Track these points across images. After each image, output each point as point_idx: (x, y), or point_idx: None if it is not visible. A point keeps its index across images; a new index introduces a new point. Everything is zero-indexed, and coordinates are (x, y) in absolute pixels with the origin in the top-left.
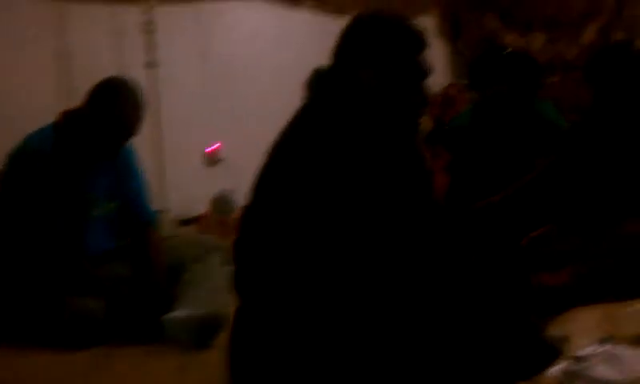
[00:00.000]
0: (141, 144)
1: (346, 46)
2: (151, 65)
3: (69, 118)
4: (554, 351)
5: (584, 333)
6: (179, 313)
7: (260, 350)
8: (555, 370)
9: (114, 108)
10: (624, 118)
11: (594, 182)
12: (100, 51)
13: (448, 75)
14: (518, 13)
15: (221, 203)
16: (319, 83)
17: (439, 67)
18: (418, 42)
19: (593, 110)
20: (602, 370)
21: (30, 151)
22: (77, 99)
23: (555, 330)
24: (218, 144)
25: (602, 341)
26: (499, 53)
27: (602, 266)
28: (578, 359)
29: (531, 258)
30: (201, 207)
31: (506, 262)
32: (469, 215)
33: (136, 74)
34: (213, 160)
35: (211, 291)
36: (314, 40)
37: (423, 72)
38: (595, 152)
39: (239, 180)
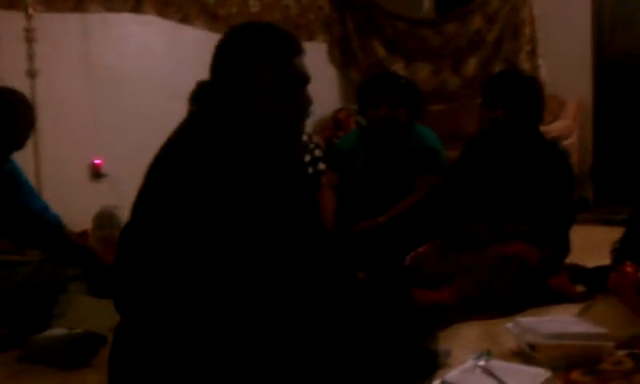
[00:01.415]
0: (17, 156)
1: (221, 56)
2: (31, 74)
3: None
4: (432, 363)
5: (465, 347)
6: (56, 331)
7: (139, 367)
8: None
9: (8, 116)
10: (519, 139)
11: (479, 201)
12: None
13: (338, 100)
14: (403, 43)
15: (103, 219)
16: (198, 96)
17: (330, 92)
18: (291, 45)
19: (483, 132)
20: (479, 383)
21: None
22: None
23: (438, 344)
24: (100, 159)
25: (479, 356)
26: (379, 79)
27: (482, 284)
28: (455, 374)
29: (414, 276)
30: (83, 223)
31: (389, 280)
32: (354, 234)
33: (15, 82)
34: (96, 174)
35: (90, 309)
36: (205, 57)
37: (299, 75)
38: (481, 172)
39: (123, 195)
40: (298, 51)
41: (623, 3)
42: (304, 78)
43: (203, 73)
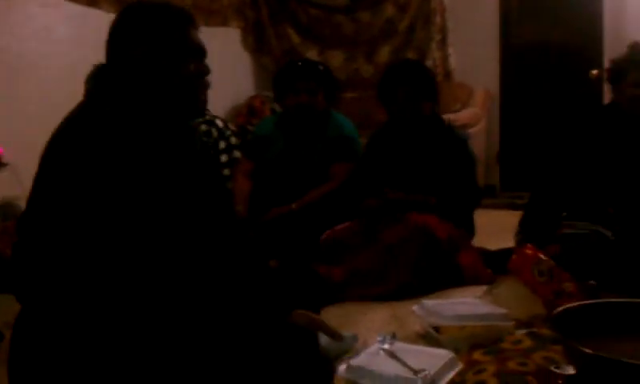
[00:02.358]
0: None
1: (116, 33)
2: None
3: None
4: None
5: (372, 331)
6: None
7: (41, 357)
8: (341, 368)
9: None
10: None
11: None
12: None
13: (252, 87)
14: (317, 30)
15: (3, 210)
16: (93, 76)
17: (244, 79)
18: (185, 17)
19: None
20: (382, 366)
21: None
22: None
23: (345, 330)
24: (0, 147)
25: (384, 339)
26: (298, 66)
27: (372, 265)
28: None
29: (328, 252)
30: None
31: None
32: (266, 221)
33: None
34: None
35: None
36: None
37: (195, 45)
38: (388, 160)
39: (26, 185)
40: (193, 23)
41: None
42: (200, 49)
43: None
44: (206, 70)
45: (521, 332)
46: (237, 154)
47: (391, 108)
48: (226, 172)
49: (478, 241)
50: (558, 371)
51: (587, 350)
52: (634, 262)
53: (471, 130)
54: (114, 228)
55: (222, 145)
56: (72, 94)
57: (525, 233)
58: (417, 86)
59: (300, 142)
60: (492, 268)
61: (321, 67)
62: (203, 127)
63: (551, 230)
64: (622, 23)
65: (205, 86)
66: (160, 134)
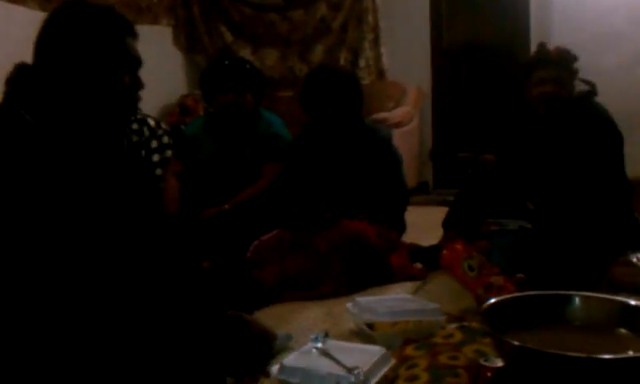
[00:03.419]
0: None
1: (47, 34)
2: None
3: None
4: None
5: (306, 330)
6: None
7: None
8: (274, 368)
9: None
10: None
11: (312, 189)
12: None
13: (185, 85)
14: (251, 29)
15: None
16: (14, 78)
17: (175, 78)
18: (124, 25)
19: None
20: (316, 364)
21: None
22: None
23: (279, 329)
24: None
25: (316, 337)
26: (225, 64)
27: (303, 271)
28: (293, 357)
29: (255, 264)
30: None
31: (232, 268)
32: (199, 221)
33: None
34: None
35: None
36: None
37: (131, 57)
38: (312, 165)
39: None
40: (132, 32)
41: None
42: (135, 61)
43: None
44: (140, 84)
45: (453, 326)
46: (169, 153)
47: (318, 120)
48: (159, 171)
49: (411, 237)
50: (486, 364)
51: (514, 342)
52: (557, 255)
53: (404, 128)
54: (29, 235)
55: (154, 144)
56: None
57: (447, 229)
58: (345, 100)
59: (230, 142)
60: (424, 263)
61: (247, 66)
62: (135, 126)
63: (473, 227)
64: (548, 22)
65: (137, 100)
66: (82, 142)
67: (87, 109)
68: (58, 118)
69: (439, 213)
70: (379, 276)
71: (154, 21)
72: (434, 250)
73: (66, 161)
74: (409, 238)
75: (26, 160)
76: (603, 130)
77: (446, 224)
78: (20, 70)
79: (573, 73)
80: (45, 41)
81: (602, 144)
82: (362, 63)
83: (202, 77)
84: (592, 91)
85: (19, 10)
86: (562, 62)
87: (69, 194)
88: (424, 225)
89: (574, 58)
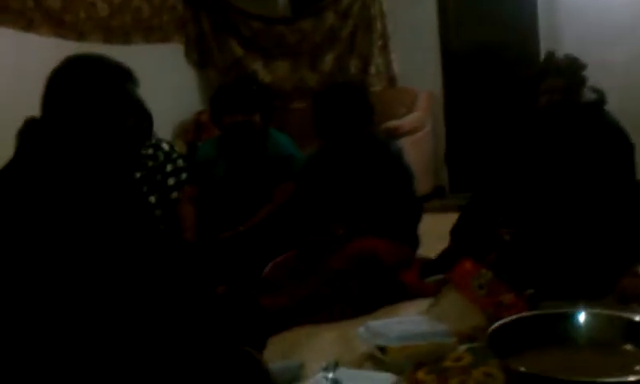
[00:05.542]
0: None
1: (53, 88)
2: None
3: None
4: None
5: (318, 355)
6: None
7: None
8: None
9: None
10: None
11: (326, 207)
12: None
13: (199, 102)
14: (260, 42)
15: None
16: (25, 132)
17: (190, 95)
18: (123, 73)
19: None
20: None
21: None
22: None
23: (291, 356)
24: None
25: (327, 367)
26: (232, 86)
27: (315, 292)
28: None
29: (271, 286)
30: None
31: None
32: (216, 245)
33: None
34: None
35: None
36: (53, 66)
37: (133, 103)
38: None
39: None
40: (131, 79)
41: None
42: (138, 104)
43: None
44: (144, 121)
45: (462, 348)
46: (184, 176)
47: (329, 143)
48: (174, 195)
49: (427, 245)
50: None
51: (520, 368)
52: (567, 266)
53: (417, 134)
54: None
55: (169, 168)
56: (9, 123)
57: (456, 237)
58: (355, 116)
59: (241, 164)
60: (436, 274)
61: (254, 86)
62: (150, 151)
63: (484, 234)
64: (556, 21)
65: (146, 136)
66: (94, 190)
67: (96, 152)
68: (69, 165)
69: (456, 218)
70: (391, 295)
71: (166, 39)
72: (443, 260)
73: (80, 202)
74: (425, 246)
75: (41, 208)
76: (614, 139)
77: (455, 233)
78: (30, 124)
79: (581, 81)
80: (51, 95)
81: (613, 153)
82: (372, 70)
83: (212, 101)
84: (601, 100)
85: (31, 38)
86: (571, 70)
87: (84, 233)
88: (441, 230)
89: (583, 66)
